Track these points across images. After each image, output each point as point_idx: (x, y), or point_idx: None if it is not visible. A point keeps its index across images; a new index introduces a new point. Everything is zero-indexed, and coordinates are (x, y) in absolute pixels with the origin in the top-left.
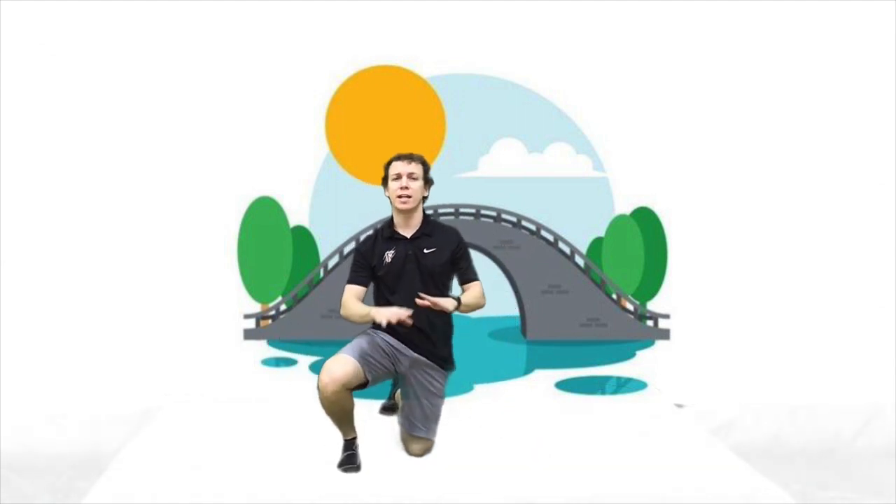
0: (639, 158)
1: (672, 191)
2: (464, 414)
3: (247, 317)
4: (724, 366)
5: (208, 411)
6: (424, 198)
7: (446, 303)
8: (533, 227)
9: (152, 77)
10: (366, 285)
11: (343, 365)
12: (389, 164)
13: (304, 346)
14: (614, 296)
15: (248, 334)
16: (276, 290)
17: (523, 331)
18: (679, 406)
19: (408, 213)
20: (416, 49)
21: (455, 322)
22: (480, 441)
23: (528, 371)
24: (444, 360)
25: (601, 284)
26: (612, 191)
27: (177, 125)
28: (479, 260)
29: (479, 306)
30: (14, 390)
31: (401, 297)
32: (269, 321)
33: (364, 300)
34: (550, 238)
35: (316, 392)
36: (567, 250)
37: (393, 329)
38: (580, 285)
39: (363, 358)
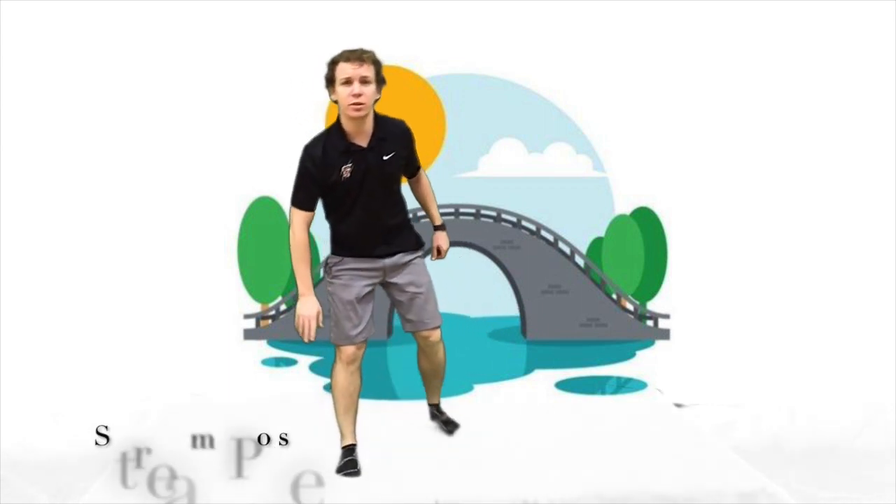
0: (639, 158)
1: (672, 191)
2: (464, 414)
3: (247, 317)
4: (724, 366)
5: (208, 411)
6: (376, 99)
7: (445, 242)
8: (533, 227)
9: (153, 77)
10: (314, 208)
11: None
12: (335, 63)
13: (304, 346)
14: (614, 296)
15: (248, 334)
16: (276, 290)
17: (523, 331)
18: (679, 406)
19: (361, 120)
20: (416, 49)
21: (455, 322)
22: (480, 441)
23: (528, 371)
24: (416, 241)
25: (601, 284)
26: (612, 191)
27: (177, 125)
28: (479, 260)
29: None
30: (14, 390)
31: (360, 210)
32: (269, 321)
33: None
34: (550, 238)
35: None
36: (567, 250)
37: (358, 248)
38: (580, 285)
39: (354, 336)
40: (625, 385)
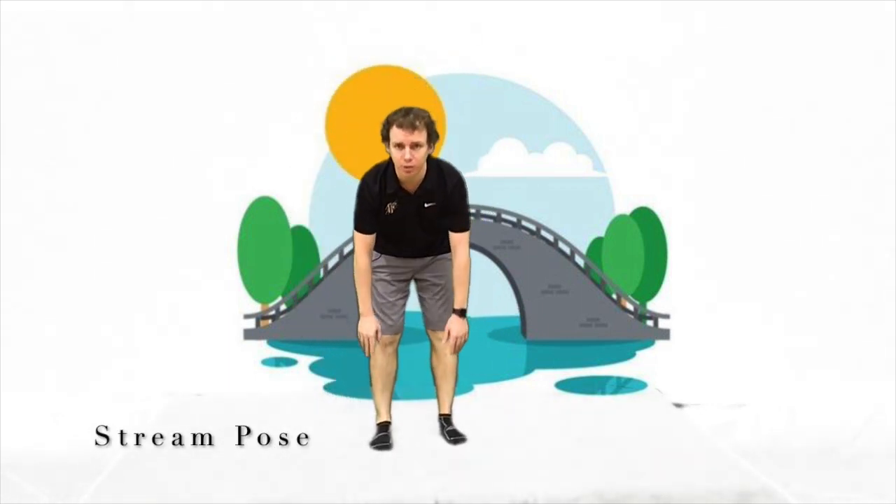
0: (639, 158)
1: (672, 191)
2: (464, 414)
3: (247, 317)
4: (724, 366)
5: (208, 411)
6: (429, 154)
7: (462, 328)
8: (533, 227)
9: (153, 77)
10: (373, 232)
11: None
12: (390, 125)
13: (304, 346)
14: (614, 296)
15: (248, 334)
16: (276, 290)
17: (523, 331)
18: (679, 406)
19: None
20: (416, 49)
21: None
22: (480, 441)
23: (528, 371)
24: (449, 248)
25: (601, 284)
26: (612, 191)
27: (177, 125)
28: (478, 260)
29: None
30: (14, 390)
31: (403, 244)
32: (269, 321)
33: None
34: (550, 238)
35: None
36: (567, 250)
37: (398, 254)
38: (580, 285)
39: (387, 328)
40: (625, 385)
